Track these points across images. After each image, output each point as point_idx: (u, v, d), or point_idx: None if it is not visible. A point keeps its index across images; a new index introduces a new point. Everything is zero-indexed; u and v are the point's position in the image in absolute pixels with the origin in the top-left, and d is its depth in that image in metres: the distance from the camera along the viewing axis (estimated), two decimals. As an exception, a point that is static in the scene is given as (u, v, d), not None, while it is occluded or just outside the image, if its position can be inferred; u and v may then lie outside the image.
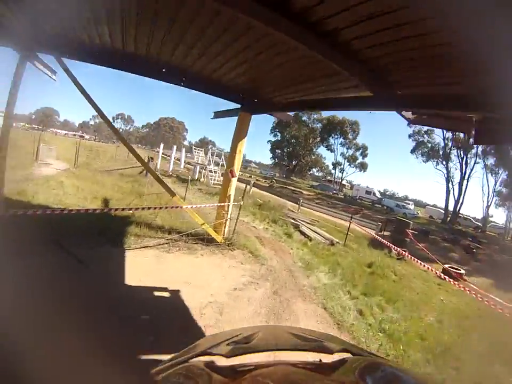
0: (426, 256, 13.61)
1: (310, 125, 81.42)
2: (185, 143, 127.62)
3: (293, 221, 15.57)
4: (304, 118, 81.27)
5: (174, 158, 37.01)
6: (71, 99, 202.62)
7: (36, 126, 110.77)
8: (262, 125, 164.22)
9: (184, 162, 33.04)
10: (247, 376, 0.95)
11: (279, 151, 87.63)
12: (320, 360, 1.23)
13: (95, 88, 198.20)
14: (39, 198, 9.89)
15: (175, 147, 32.26)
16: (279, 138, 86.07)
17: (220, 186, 21.59)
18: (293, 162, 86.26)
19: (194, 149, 29.31)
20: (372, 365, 1.25)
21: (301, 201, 20.19)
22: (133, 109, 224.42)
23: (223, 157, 25.34)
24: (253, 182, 23.76)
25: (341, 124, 72.86)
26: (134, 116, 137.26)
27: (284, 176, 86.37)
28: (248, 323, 5.09)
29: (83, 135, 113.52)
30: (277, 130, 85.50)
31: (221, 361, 1.15)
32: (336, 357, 1.20)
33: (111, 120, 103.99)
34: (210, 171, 23.45)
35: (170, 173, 28.01)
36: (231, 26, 4.46)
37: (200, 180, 24.68)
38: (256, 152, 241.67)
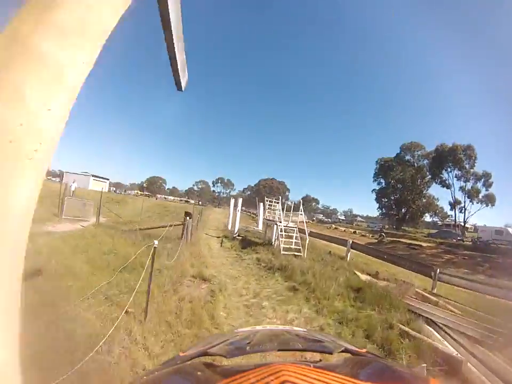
0: None
1: (415, 164, 70.15)
2: (288, 202, 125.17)
3: (434, 333, 6.33)
4: (407, 158, 71.30)
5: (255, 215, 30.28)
6: (177, 168, 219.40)
7: (147, 193, 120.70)
8: (363, 174, 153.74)
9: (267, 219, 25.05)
10: (247, 377, 0.84)
11: (386, 200, 76.24)
12: (320, 360, 1.45)
13: (197, 157, 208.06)
14: None
15: (239, 200, 24.70)
16: (384, 185, 75.29)
17: (297, 253, 13.56)
18: (402, 210, 73.73)
19: (267, 200, 20.40)
20: (373, 365, 1.15)
21: (438, 271, 10.48)
22: (232, 174, 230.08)
23: (301, 207, 16.20)
24: (350, 242, 14.70)
25: (452, 152, 58.60)
26: (233, 180, 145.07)
27: (394, 227, 73.74)
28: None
29: (188, 200, 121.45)
30: (380, 176, 75.19)
31: (221, 361, 1.35)
32: (336, 357, 1.17)
33: (211, 185, 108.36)
34: (281, 231, 14.86)
35: (236, 234, 20.19)
36: None
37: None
38: (361, 205, 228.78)
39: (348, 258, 14.08)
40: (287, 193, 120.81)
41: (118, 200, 44.77)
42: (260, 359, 2.28)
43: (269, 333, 1.60)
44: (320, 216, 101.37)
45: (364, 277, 10.72)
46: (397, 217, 75.10)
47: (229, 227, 24.46)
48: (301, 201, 16.28)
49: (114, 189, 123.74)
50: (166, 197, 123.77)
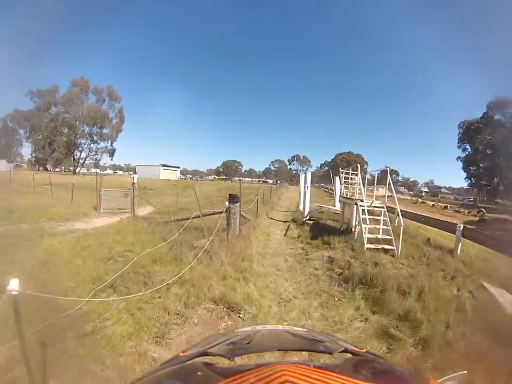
0: None
1: (506, 124, 58.07)
2: (368, 176, 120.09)
3: None
4: (497, 117, 59.71)
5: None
6: (252, 151, 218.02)
7: (224, 177, 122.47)
8: (444, 141, 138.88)
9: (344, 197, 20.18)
10: (247, 377, 0.83)
11: (474, 168, 66.26)
12: (320, 360, 1.28)
13: (272, 137, 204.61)
14: None
15: (308, 175, 18.33)
16: (470, 151, 65.29)
17: (387, 247, 9.22)
18: (495, 180, 63.32)
19: (343, 172, 15.46)
20: (373, 365, 1.11)
21: None
22: (308, 150, 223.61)
23: (389, 179, 10.55)
24: (461, 228, 9.79)
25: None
26: (310, 156, 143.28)
27: (485, 199, 62.78)
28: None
29: (266, 180, 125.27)
30: (465, 142, 65.41)
31: (221, 361, 1.18)
32: (336, 357, 1.12)
33: (288, 163, 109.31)
34: (363, 213, 10.23)
35: (307, 217, 16.14)
36: None
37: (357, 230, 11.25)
38: (443, 175, 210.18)
39: (459, 251, 9.46)
40: (365, 167, 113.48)
41: (185, 186, 42.80)
42: (260, 359, 2.04)
43: (269, 333, 1.55)
44: (402, 189, 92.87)
45: (498, 293, 6.29)
46: (488, 187, 64.69)
47: (300, 207, 20.55)
48: (388, 169, 11.41)
49: (190, 176, 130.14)
50: (242, 179, 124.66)
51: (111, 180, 37.94)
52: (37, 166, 77.25)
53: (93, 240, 9.43)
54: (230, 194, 10.25)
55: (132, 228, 11.66)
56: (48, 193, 22.66)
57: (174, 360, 1.13)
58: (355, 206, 10.98)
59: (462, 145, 66.63)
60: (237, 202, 10.03)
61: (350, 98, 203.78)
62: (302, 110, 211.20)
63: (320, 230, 12.57)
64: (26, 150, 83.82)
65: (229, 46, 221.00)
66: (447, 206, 40.08)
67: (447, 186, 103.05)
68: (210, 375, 0.88)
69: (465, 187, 76.00)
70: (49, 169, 75.99)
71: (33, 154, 76.47)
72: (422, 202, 45.56)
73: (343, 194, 14.76)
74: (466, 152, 66.37)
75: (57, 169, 79.16)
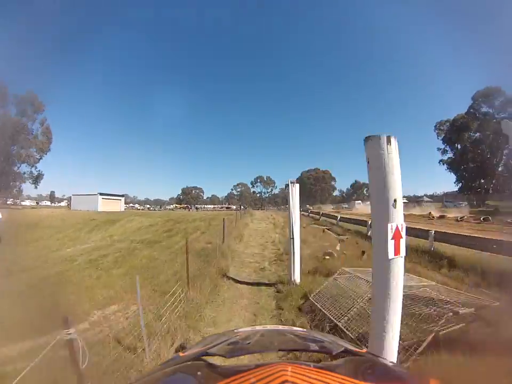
0: None
1: (495, 116, 50.78)
2: (336, 193, 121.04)
3: None
4: (485, 110, 52.46)
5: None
6: (213, 177, 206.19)
7: (185, 205, 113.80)
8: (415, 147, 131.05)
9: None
10: (247, 377, 0.83)
11: (463, 170, 58.21)
12: (320, 360, 1.42)
13: (232, 158, 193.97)
14: None
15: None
16: (457, 152, 57.61)
17: None
18: (482, 180, 56.03)
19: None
20: (372, 365, 1.11)
21: None
22: (272, 171, 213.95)
23: None
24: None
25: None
26: (274, 177, 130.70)
27: (475, 203, 53.77)
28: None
29: (229, 206, 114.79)
30: (454, 141, 57.36)
31: (221, 361, 1.15)
32: (336, 357, 1.10)
33: (250, 185, 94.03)
34: None
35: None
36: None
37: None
38: (424, 183, 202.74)
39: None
40: (332, 183, 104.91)
41: (108, 221, 30.57)
42: (260, 359, 2.09)
43: (269, 333, 1.55)
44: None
45: None
46: (477, 190, 57.07)
47: (295, 276, 8.42)
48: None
49: (149, 206, 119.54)
50: (198, 206, 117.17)
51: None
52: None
53: None
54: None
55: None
56: None
57: (174, 360, 1.12)
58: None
59: (447, 146, 59.67)
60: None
61: (312, 113, 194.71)
62: (263, 130, 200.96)
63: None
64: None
65: (182, 70, 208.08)
66: (462, 218, 27.73)
67: (428, 194, 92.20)
68: (210, 375, 0.86)
69: (447, 192, 68.44)
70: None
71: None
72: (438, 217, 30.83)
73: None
74: (449, 154, 59.73)
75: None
